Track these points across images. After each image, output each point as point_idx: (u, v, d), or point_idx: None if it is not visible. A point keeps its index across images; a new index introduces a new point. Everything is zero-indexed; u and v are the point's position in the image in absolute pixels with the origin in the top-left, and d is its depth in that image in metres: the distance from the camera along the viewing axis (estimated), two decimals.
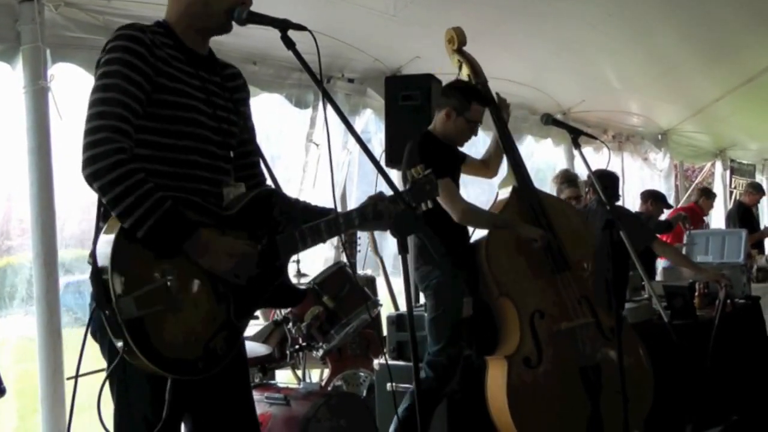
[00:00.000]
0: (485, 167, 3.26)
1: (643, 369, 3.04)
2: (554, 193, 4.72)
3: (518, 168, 3.08)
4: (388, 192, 1.83)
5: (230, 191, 1.73)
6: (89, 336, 1.65)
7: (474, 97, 3.03)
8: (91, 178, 1.53)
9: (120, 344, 1.50)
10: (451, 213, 2.90)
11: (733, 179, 9.06)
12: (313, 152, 4.41)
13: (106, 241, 1.53)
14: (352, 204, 4.59)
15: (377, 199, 1.81)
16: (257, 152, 1.91)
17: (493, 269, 2.90)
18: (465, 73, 3.15)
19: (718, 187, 9.05)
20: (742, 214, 7.19)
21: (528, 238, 2.91)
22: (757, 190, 7.55)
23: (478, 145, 3.52)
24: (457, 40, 3.12)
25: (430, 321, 2.99)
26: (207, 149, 1.71)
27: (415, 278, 3.06)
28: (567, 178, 4.72)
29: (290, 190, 4.34)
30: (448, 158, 3.06)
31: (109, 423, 1.62)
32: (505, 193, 3.12)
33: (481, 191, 4.57)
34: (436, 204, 2.87)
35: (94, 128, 1.55)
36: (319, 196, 4.29)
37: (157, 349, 1.50)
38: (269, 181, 1.96)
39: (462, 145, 3.13)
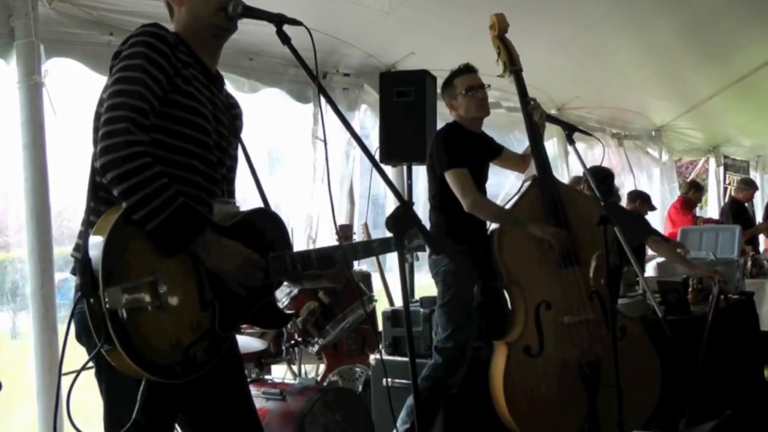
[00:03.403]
0: (523, 162, 3.31)
1: (652, 371, 3.04)
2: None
3: (540, 159, 3.10)
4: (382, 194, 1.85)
5: (220, 207, 1.73)
6: (76, 339, 1.64)
7: (452, 77, 3.18)
8: (106, 168, 1.52)
9: (97, 332, 1.48)
10: (462, 202, 2.99)
11: (727, 175, 9.10)
12: (320, 149, 4.41)
13: (100, 232, 1.51)
14: (357, 198, 4.59)
15: (377, 240, 1.86)
16: (233, 178, 1.90)
17: (504, 257, 2.93)
18: (502, 60, 3.18)
19: (711, 184, 9.09)
20: (736, 210, 7.23)
21: (541, 237, 2.93)
22: (749, 186, 7.59)
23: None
24: (498, 27, 3.17)
25: (439, 308, 3.07)
26: (208, 158, 1.71)
27: (428, 265, 3.16)
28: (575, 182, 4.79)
29: (302, 187, 4.34)
30: (472, 148, 3.12)
31: (94, 423, 1.60)
32: (527, 182, 3.16)
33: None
34: (451, 193, 2.95)
35: (113, 118, 1.53)
36: (333, 193, 4.25)
37: (136, 345, 1.49)
38: (257, 200, 1.94)
39: (485, 114, 3.18)
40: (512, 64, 3.14)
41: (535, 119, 3.10)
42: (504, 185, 5.14)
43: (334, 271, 1.77)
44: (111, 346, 1.48)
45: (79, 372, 1.56)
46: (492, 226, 3.11)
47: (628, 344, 2.93)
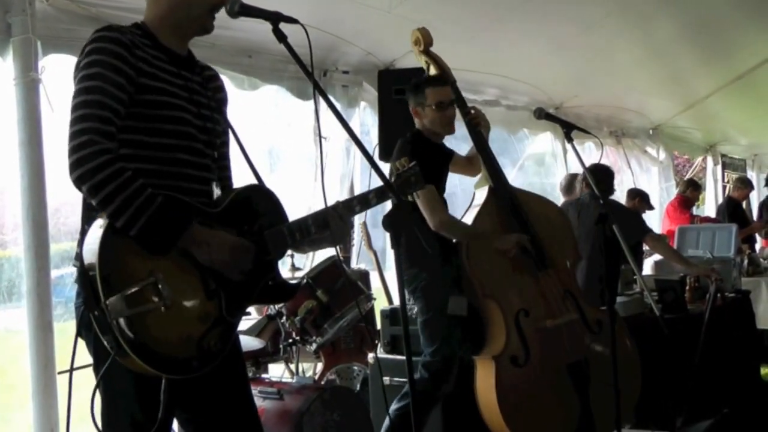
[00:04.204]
0: (470, 165, 3.25)
1: (630, 358, 3.04)
2: (574, 191, 4.75)
3: (492, 168, 3.07)
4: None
5: (216, 191, 1.73)
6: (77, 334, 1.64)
7: (425, 85, 3.05)
8: (79, 181, 1.53)
9: (108, 342, 1.49)
10: (429, 221, 2.90)
11: (725, 174, 9.11)
12: (323, 146, 4.39)
13: (92, 241, 1.51)
14: None
15: (367, 193, 1.82)
16: (228, 154, 1.90)
17: (475, 270, 2.89)
18: (432, 74, 3.13)
19: (709, 183, 9.09)
20: (732, 209, 7.23)
21: (502, 250, 2.90)
22: (745, 184, 7.59)
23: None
24: (423, 41, 3.11)
25: (422, 324, 2.99)
26: (194, 147, 1.70)
27: (405, 282, 3.05)
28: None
29: (303, 185, 4.32)
30: (436, 159, 3.05)
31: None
32: (481, 193, 3.11)
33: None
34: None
35: (78, 131, 1.54)
36: (331, 190, 4.25)
37: (150, 348, 1.49)
38: (252, 179, 1.93)
39: (450, 132, 3.09)
40: (445, 77, 3.09)
41: (480, 130, 3.06)
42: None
43: (333, 231, 1.76)
44: (123, 353, 1.48)
45: (100, 376, 1.56)
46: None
47: (605, 337, 2.92)
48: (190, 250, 1.58)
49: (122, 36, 1.62)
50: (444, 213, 2.96)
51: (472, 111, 3.10)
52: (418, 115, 3.06)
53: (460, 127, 3.16)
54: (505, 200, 3.02)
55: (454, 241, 3.00)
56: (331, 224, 1.76)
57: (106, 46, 1.59)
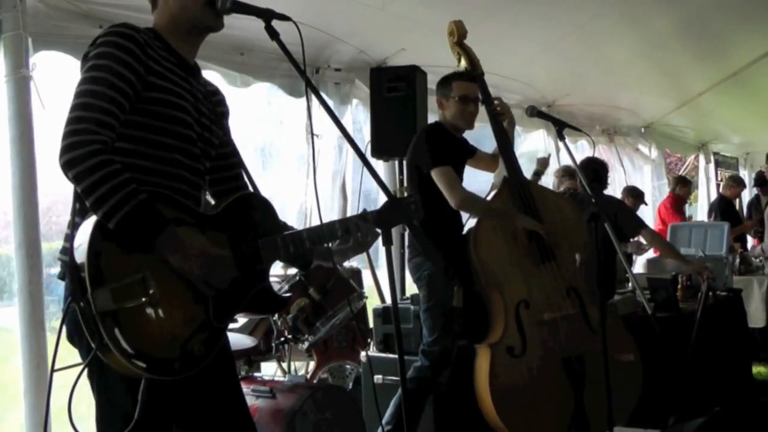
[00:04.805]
0: (495, 162, 3.30)
1: (633, 366, 3.04)
2: (553, 186, 4.75)
3: (509, 158, 3.11)
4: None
5: (206, 200, 1.73)
6: (68, 341, 1.63)
7: (452, 78, 3.17)
8: (67, 166, 1.52)
9: (92, 336, 1.47)
10: (449, 199, 2.97)
11: (719, 172, 9.15)
12: (315, 143, 4.40)
13: (84, 234, 1.50)
14: (350, 194, 4.58)
15: (362, 214, 1.80)
16: (240, 164, 1.90)
17: (481, 260, 2.92)
18: (463, 65, 3.19)
19: (701, 181, 9.13)
20: (724, 208, 7.27)
21: (526, 228, 2.93)
22: (737, 183, 7.63)
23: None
24: (457, 33, 3.16)
25: (424, 312, 3.07)
26: (190, 150, 1.70)
27: (408, 269, 3.14)
28: (566, 171, 4.75)
29: (295, 183, 4.31)
30: (454, 148, 3.14)
31: (88, 421, 1.60)
32: (497, 183, 3.16)
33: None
34: (430, 193, 2.94)
35: (76, 118, 1.53)
36: (323, 187, 4.24)
37: (131, 347, 1.47)
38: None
39: (469, 128, 3.20)
40: (474, 70, 3.14)
41: (503, 124, 3.10)
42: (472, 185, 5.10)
43: (354, 243, 1.76)
44: (106, 348, 1.47)
45: (78, 377, 1.55)
46: (468, 226, 3.08)
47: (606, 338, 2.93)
48: (164, 254, 1.54)
49: (137, 34, 1.62)
50: (463, 190, 3.03)
51: (497, 104, 3.15)
52: (441, 106, 3.19)
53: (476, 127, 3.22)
54: (519, 192, 3.05)
55: (465, 229, 3.04)
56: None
57: (118, 41, 1.59)
